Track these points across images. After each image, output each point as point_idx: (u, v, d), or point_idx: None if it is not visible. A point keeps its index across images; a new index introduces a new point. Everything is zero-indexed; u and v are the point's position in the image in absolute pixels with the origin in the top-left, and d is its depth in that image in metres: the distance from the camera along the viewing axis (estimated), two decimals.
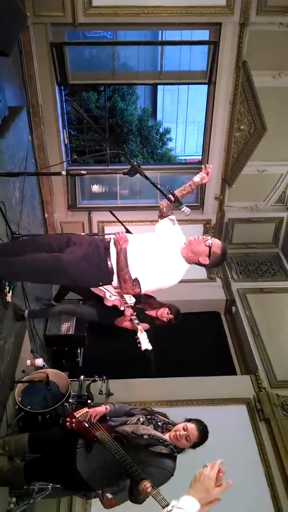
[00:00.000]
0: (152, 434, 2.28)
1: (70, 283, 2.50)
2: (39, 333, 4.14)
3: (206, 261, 2.31)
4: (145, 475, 2.10)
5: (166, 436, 2.31)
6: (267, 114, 4.44)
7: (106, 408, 2.56)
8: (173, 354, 4.59)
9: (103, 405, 2.61)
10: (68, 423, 2.50)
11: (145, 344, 2.42)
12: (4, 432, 2.90)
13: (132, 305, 3.06)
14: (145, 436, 2.27)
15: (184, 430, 2.26)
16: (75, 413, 2.54)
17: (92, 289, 3.11)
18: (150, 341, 2.47)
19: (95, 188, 5.86)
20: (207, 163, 4.53)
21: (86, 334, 4.36)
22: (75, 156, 5.11)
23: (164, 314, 3.17)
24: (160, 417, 2.46)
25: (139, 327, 2.52)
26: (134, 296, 3.07)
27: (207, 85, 4.81)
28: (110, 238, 2.46)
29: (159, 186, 2.59)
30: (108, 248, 2.39)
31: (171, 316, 3.17)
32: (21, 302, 3.59)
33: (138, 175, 2.43)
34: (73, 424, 2.48)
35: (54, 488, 2.71)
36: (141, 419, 2.41)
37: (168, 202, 2.52)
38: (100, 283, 2.52)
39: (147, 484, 2.04)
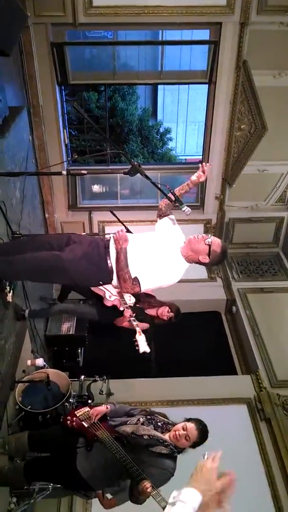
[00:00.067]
0: (152, 435, 2.29)
1: (70, 281, 2.50)
2: (39, 333, 4.14)
3: (206, 259, 2.31)
4: (145, 475, 2.10)
5: (166, 436, 2.31)
6: (268, 113, 4.45)
7: (107, 408, 2.57)
8: (174, 354, 4.59)
9: (103, 405, 2.61)
10: (68, 421, 2.50)
11: (143, 346, 2.38)
12: (5, 432, 2.90)
13: (132, 305, 3.06)
14: (145, 437, 2.28)
15: (183, 429, 2.26)
16: (76, 412, 2.55)
17: (92, 288, 3.11)
18: (149, 343, 2.42)
19: (96, 188, 5.86)
20: (207, 162, 4.53)
21: (87, 334, 4.35)
22: (76, 156, 5.10)
23: (164, 312, 3.17)
24: (160, 417, 2.47)
25: (137, 329, 2.48)
26: (134, 295, 3.07)
27: (207, 85, 4.81)
28: (110, 237, 2.46)
29: (159, 185, 2.57)
30: (108, 247, 2.39)
31: (171, 314, 3.16)
32: (22, 302, 3.59)
33: (138, 175, 2.43)
34: (74, 423, 2.49)
35: (55, 488, 2.71)
36: (141, 420, 2.41)
37: (167, 202, 2.52)
38: (100, 282, 2.52)
39: (147, 485, 2.04)
